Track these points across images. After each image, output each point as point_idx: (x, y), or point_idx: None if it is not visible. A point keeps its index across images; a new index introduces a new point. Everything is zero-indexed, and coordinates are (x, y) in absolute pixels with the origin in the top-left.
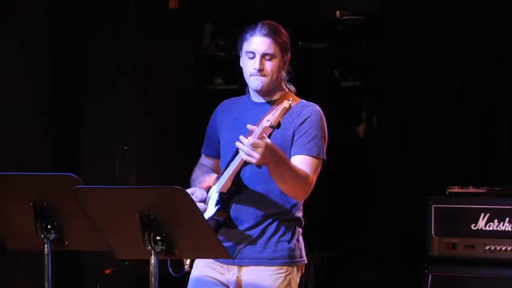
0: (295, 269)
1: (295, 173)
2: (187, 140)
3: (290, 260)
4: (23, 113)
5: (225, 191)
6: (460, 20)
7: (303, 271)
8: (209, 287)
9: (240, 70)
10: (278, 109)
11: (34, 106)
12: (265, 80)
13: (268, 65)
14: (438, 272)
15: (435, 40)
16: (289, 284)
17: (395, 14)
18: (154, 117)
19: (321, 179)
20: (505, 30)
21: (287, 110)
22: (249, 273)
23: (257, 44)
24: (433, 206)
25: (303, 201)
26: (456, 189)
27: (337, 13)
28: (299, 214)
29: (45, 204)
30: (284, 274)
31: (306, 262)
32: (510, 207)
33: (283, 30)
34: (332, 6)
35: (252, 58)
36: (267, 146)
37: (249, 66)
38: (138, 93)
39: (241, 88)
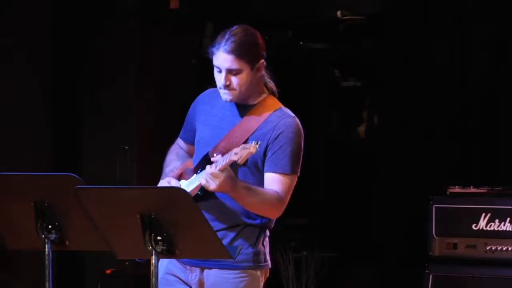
0: (259, 273)
1: (260, 198)
2: None
3: (254, 264)
4: (23, 113)
5: (192, 196)
6: (461, 20)
7: (268, 275)
8: (173, 285)
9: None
10: (246, 150)
11: (34, 106)
12: (233, 94)
13: (235, 80)
14: (439, 272)
15: (435, 40)
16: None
17: (395, 14)
18: (154, 117)
19: (321, 179)
20: (506, 31)
21: (252, 154)
22: (212, 275)
23: (221, 60)
24: (434, 206)
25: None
26: (457, 189)
27: (338, 13)
28: (268, 220)
29: (45, 204)
30: (247, 278)
31: (270, 266)
32: (511, 207)
33: (253, 37)
34: (332, 6)
35: (219, 72)
36: (225, 179)
37: (218, 79)
38: (138, 93)
39: None
